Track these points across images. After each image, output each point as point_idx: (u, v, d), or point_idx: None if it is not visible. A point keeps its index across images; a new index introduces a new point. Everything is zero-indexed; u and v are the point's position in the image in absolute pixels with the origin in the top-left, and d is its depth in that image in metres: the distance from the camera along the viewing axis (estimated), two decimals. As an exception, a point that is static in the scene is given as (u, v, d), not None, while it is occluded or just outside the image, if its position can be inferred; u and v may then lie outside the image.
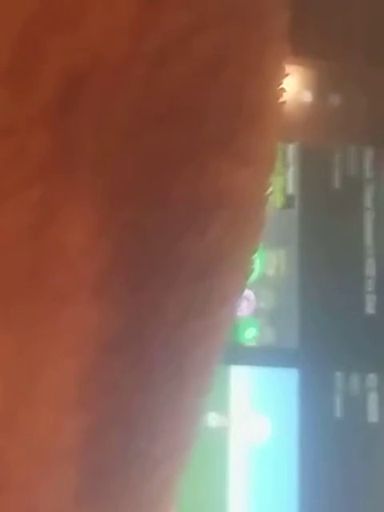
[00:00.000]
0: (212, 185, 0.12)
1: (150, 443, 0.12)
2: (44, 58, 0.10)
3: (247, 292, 0.39)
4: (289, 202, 0.40)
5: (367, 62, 0.41)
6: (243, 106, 0.12)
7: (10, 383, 0.11)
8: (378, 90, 0.41)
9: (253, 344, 0.39)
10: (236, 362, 0.38)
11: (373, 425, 0.39)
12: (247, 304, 0.39)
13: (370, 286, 0.40)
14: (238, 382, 0.38)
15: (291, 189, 0.40)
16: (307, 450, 0.38)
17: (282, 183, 0.40)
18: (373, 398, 0.39)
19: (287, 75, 0.12)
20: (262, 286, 0.40)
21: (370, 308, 0.40)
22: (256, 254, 0.13)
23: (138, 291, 0.11)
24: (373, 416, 0.39)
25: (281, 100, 0.12)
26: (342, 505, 0.38)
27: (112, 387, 0.11)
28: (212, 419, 0.38)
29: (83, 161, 0.11)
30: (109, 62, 0.10)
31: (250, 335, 0.39)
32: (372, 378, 0.39)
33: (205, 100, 0.11)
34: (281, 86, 0.12)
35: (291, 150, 0.40)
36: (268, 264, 0.40)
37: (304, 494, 0.38)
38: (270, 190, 0.13)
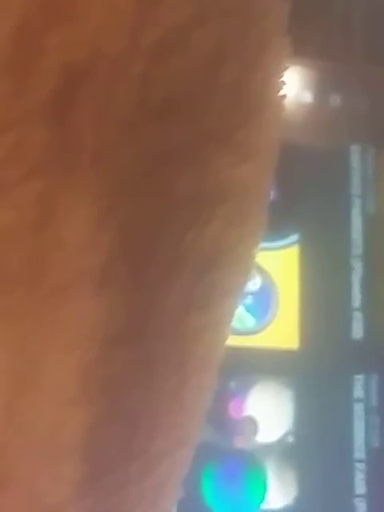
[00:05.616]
0: (213, 179, 0.12)
1: (151, 438, 0.12)
2: (43, 52, 0.10)
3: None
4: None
5: (367, 62, 0.41)
6: (243, 100, 0.12)
7: (12, 377, 0.11)
8: (378, 89, 0.41)
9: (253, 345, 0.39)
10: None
11: (373, 425, 0.39)
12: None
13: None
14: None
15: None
16: (307, 451, 0.38)
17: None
18: (373, 398, 0.39)
19: (287, 68, 0.12)
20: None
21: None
22: (257, 248, 0.13)
23: (141, 286, 0.11)
24: (373, 417, 0.39)
25: (281, 94, 0.12)
26: (342, 506, 0.38)
27: (114, 382, 0.11)
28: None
29: (83, 155, 0.11)
30: (108, 57, 0.10)
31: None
32: (372, 378, 0.39)
33: (205, 94, 0.11)
34: (281, 80, 0.12)
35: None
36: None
37: (303, 493, 0.38)
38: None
